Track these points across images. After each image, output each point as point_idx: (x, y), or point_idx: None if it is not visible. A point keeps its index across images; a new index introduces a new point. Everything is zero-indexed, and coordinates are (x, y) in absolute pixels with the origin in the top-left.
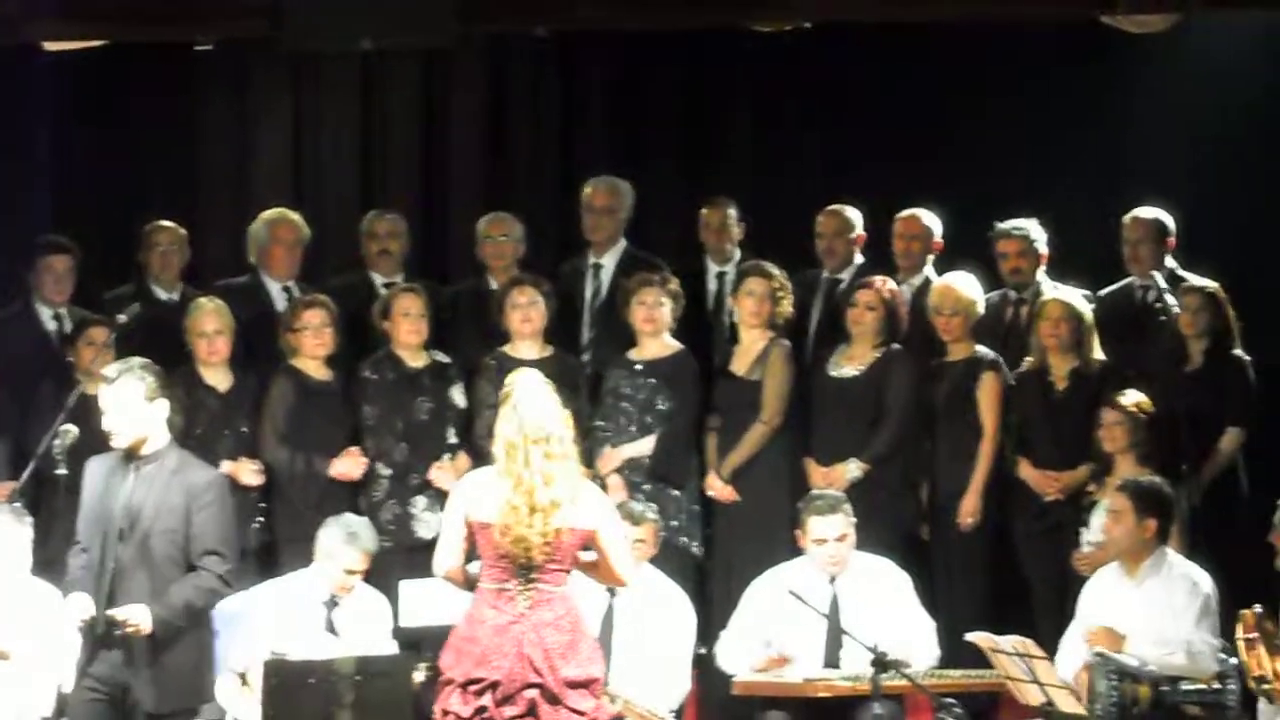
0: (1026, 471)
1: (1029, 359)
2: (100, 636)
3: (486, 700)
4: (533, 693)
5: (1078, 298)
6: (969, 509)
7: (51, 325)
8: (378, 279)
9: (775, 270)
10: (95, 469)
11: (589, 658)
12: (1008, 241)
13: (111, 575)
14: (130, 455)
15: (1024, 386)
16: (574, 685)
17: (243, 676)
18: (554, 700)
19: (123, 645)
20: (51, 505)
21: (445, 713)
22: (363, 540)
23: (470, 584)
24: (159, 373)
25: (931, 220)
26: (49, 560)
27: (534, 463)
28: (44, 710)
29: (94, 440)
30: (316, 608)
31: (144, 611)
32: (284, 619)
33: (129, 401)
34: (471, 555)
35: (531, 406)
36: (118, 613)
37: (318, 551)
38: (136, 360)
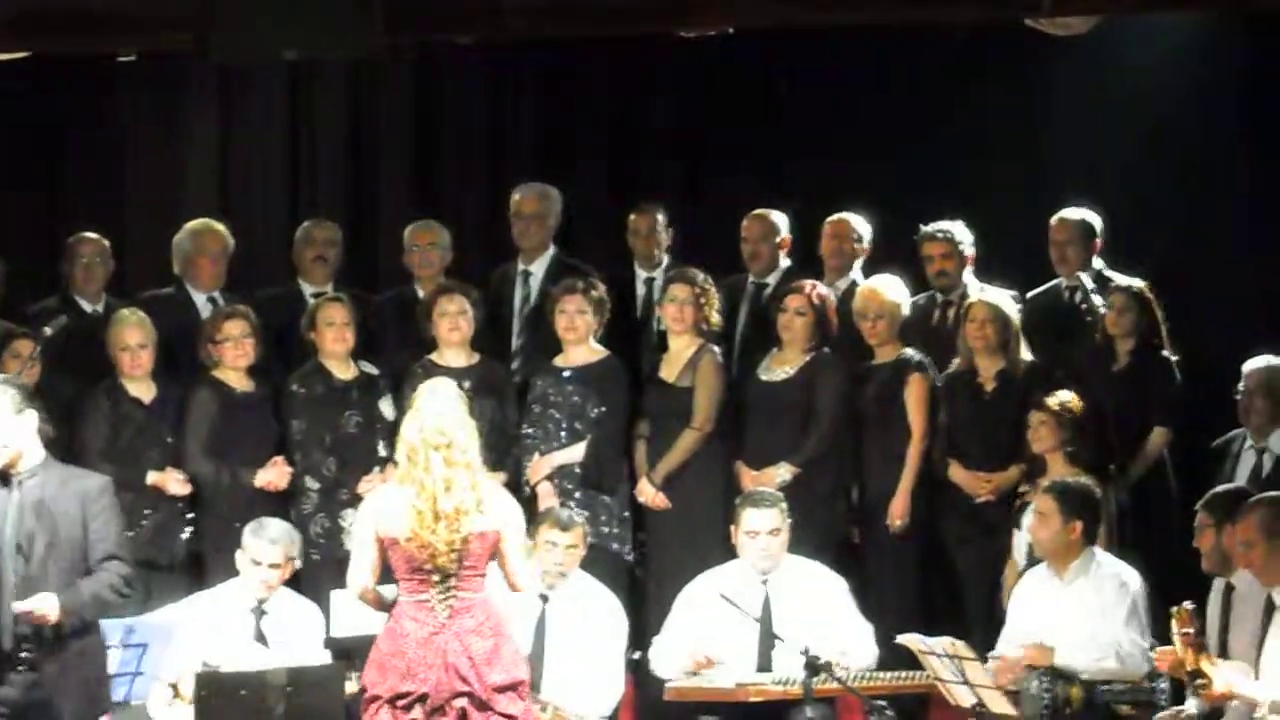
0: (957, 473)
1: (956, 360)
2: (4, 658)
3: (417, 713)
4: (462, 701)
5: (1004, 299)
6: (898, 511)
7: None
8: (307, 289)
9: (699, 276)
10: None
11: (513, 661)
12: (933, 244)
13: (14, 593)
14: (4, 474)
15: (953, 388)
16: (501, 690)
17: (175, 687)
18: (483, 707)
19: (31, 665)
20: None
21: None
22: (270, 531)
23: (383, 605)
24: (21, 384)
25: (860, 224)
26: None
27: (434, 469)
28: None
29: None
30: (245, 616)
31: (52, 601)
32: (214, 629)
33: (3, 417)
34: (385, 576)
35: (432, 412)
36: (25, 603)
37: (238, 556)
38: None
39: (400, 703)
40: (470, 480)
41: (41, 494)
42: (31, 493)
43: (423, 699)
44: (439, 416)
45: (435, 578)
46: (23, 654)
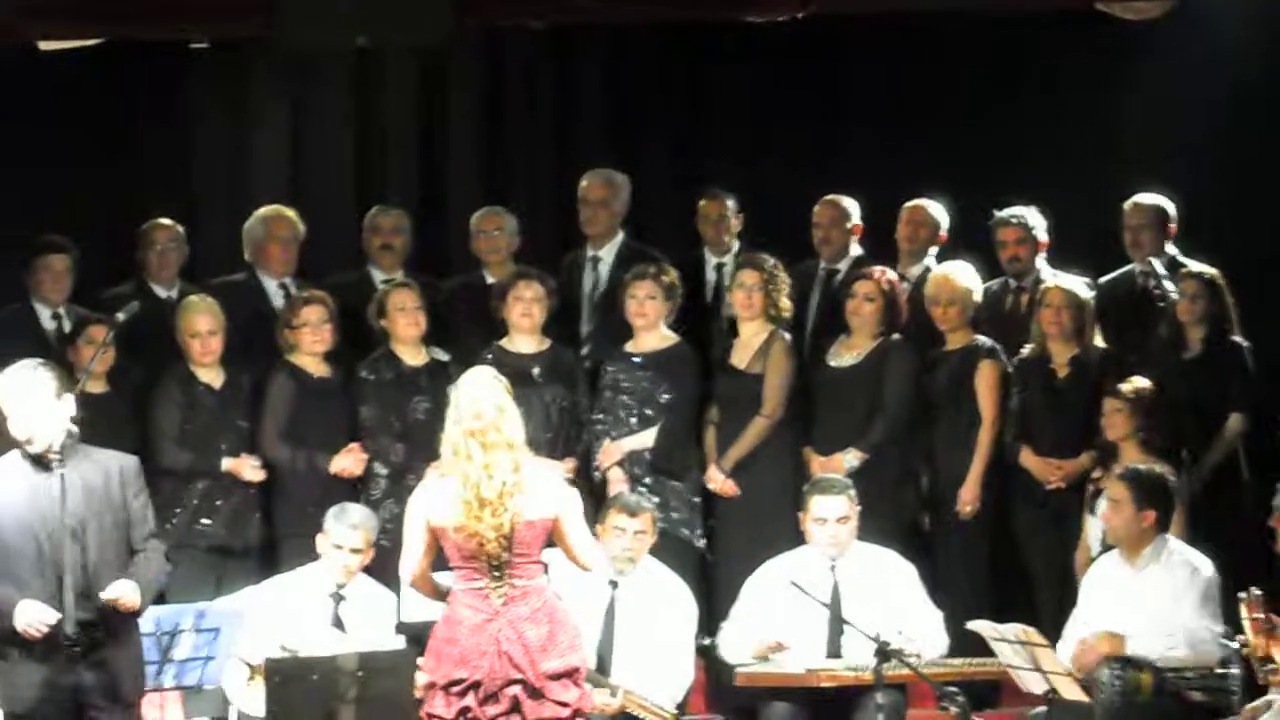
0: (1028, 459)
1: (1029, 346)
2: (67, 641)
3: (469, 700)
4: (515, 689)
5: (1079, 285)
6: (967, 497)
7: (50, 324)
8: (377, 275)
9: (768, 262)
10: None
11: (569, 647)
12: (1006, 229)
13: (75, 576)
14: (38, 457)
15: (1025, 374)
16: (555, 677)
17: (253, 669)
18: (536, 695)
19: (92, 646)
20: None
21: (430, 715)
22: (352, 516)
23: (439, 594)
24: (54, 367)
25: (938, 211)
26: None
27: (474, 456)
28: None
29: (92, 438)
30: (324, 601)
31: (133, 587)
32: (293, 613)
33: (42, 401)
34: (439, 564)
35: (468, 399)
36: (110, 593)
37: (319, 540)
38: (30, 361)
39: (454, 689)
40: (512, 461)
41: (80, 477)
42: (71, 476)
43: (475, 686)
44: (475, 402)
45: (488, 565)
46: (83, 638)
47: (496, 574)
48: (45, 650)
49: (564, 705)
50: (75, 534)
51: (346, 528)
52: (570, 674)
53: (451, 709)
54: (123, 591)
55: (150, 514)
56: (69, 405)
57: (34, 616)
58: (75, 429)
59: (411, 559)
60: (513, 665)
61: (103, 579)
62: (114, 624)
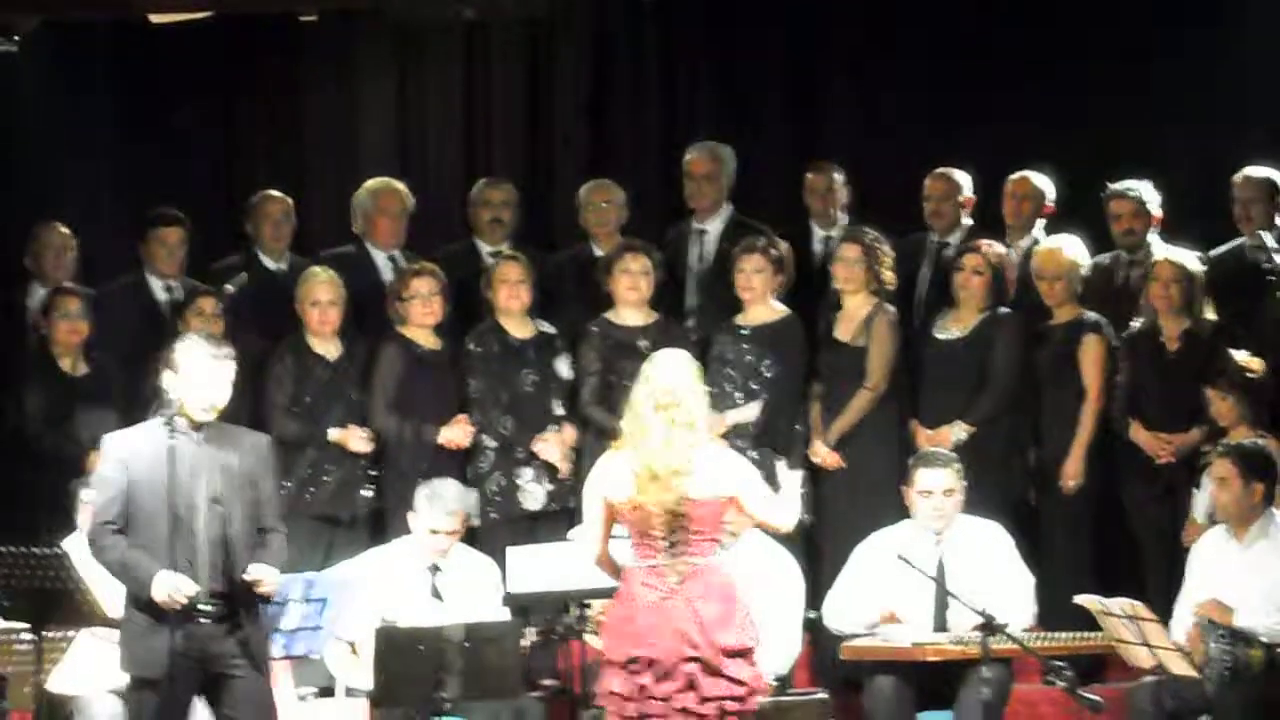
0: (1138, 434)
1: (1139, 320)
2: (202, 611)
3: (646, 678)
4: (691, 667)
5: (1189, 258)
6: (1071, 472)
7: (163, 296)
8: (485, 248)
9: (869, 235)
10: (129, 448)
11: (744, 626)
12: (1121, 202)
13: (211, 548)
14: (181, 429)
15: (1135, 348)
16: (731, 654)
17: (352, 645)
18: (713, 671)
19: (222, 615)
20: None
21: (609, 693)
22: (447, 501)
23: (619, 573)
24: (212, 336)
25: (1043, 182)
26: None
27: (655, 429)
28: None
29: None
30: (421, 574)
31: (274, 574)
32: (390, 585)
33: (230, 376)
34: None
35: (661, 374)
36: (252, 573)
37: (410, 517)
38: (203, 332)
39: (631, 667)
40: (691, 442)
41: (220, 451)
42: (211, 450)
43: (652, 663)
44: (666, 377)
45: (663, 543)
46: (211, 608)
47: (673, 552)
48: (176, 618)
49: (740, 683)
50: (213, 506)
51: (442, 513)
52: (745, 652)
53: (628, 686)
54: (265, 575)
55: (277, 498)
56: (228, 380)
57: (174, 587)
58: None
59: (592, 539)
60: (688, 643)
61: (236, 553)
62: (243, 595)
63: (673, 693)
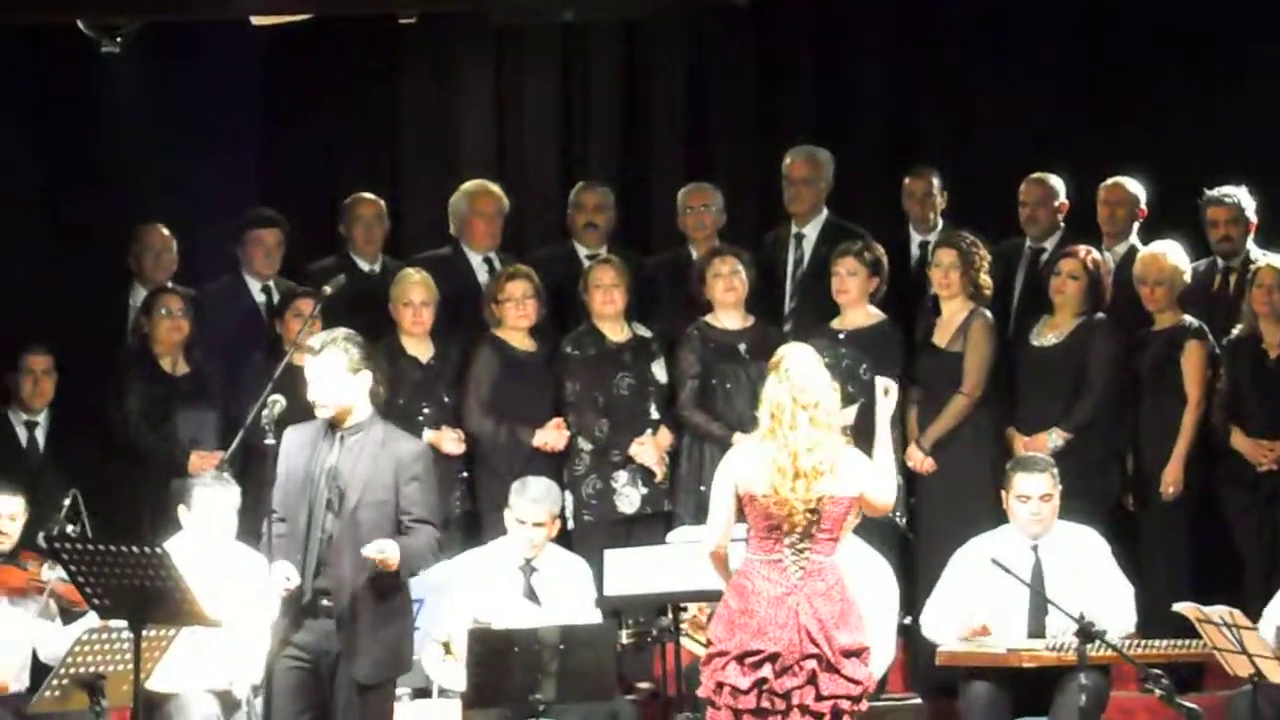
0: (1239, 441)
1: (1239, 327)
2: (306, 606)
3: (766, 672)
4: (811, 663)
5: None
6: (1171, 478)
7: (260, 298)
8: (582, 251)
9: (966, 240)
10: (294, 440)
11: (859, 625)
12: (1218, 209)
13: (319, 546)
14: (334, 426)
15: (1235, 355)
16: (848, 654)
17: (446, 646)
18: (832, 669)
19: (329, 615)
20: (260, 474)
21: (720, 685)
22: (532, 490)
23: (727, 573)
24: (362, 344)
25: (1136, 187)
26: (258, 529)
27: (800, 427)
28: (254, 678)
29: (301, 410)
30: (515, 574)
31: (394, 546)
32: (485, 586)
33: (333, 372)
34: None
35: (800, 373)
36: (372, 548)
37: (505, 515)
38: (341, 331)
39: (749, 660)
40: (832, 443)
41: (360, 453)
42: (351, 450)
43: (773, 658)
44: (807, 377)
45: (790, 538)
46: (323, 604)
47: (799, 548)
48: (294, 611)
49: (856, 682)
50: (331, 504)
51: (528, 501)
52: (860, 652)
53: (747, 679)
54: (384, 548)
55: (424, 500)
56: (365, 380)
57: (279, 574)
58: (368, 407)
59: (717, 526)
60: (810, 640)
61: (338, 555)
62: (371, 600)
63: (794, 689)
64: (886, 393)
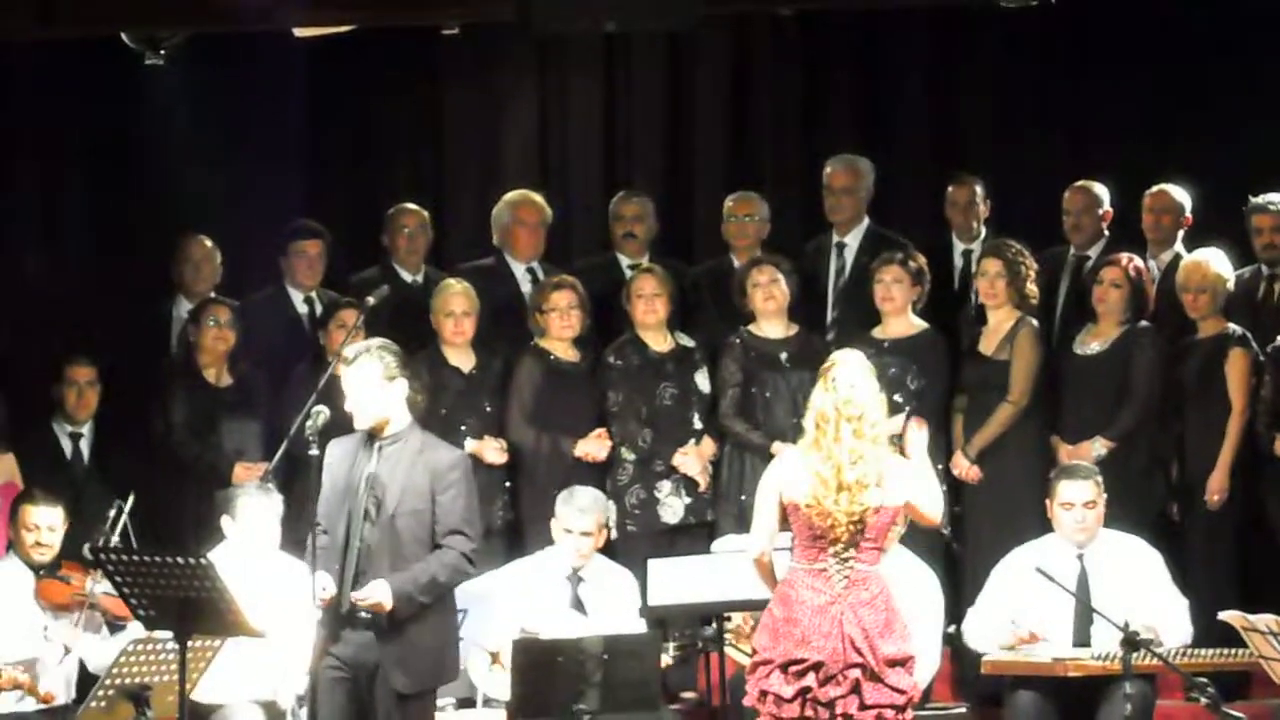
0: None
1: None
2: (345, 616)
3: (810, 680)
4: (855, 672)
5: None
6: (1216, 486)
7: (303, 308)
8: (624, 260)
9: (1012, 249)
10: (337, 451)
11: (903, 635)
12: (1263, 216)
13: (357, 555)
14: (372, 436)
15: (1278, 363)
16: (893, 663)
17: (494, 655)
18: (875, 678)
19: (371, 625)
20: (304, 484)
21: (764, 693)
22: (580, 499)
23: (772, 579)
24: (397, 353)
25: (1181, 195)
26: (302, 539)
27: (844, 439)
28: (299, 688)
29: (345, 421)
30: (562, 584)
31: (384, 588)
32: (531, 597)
33: (367, 382)
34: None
35: (846, 383)
36: (359, 594)
37: (552, 524)
38: (375, 341)
39: (793, 669)
40: (876, 455)
41: (397, 462)
42: (388, 460)
43: (817, 667)
44: (853, 388)
45: (834, 548)
46: (361, 615)
47: (843, 557)
48: (333, 621)
49: (900, 692)
50: (367, 514)
51: (575, 511)
52: (904, 661)
53: (791, 688)
54: (370, 593)
55: (459, 510)
56: (400, 388)
57: (316, 584)
58: (406, 416)
59: (762, 534)
60: (854, 649)
61: (375, 565)
62: (397, 612)
63: (837, 698)
64: (920, 427)
